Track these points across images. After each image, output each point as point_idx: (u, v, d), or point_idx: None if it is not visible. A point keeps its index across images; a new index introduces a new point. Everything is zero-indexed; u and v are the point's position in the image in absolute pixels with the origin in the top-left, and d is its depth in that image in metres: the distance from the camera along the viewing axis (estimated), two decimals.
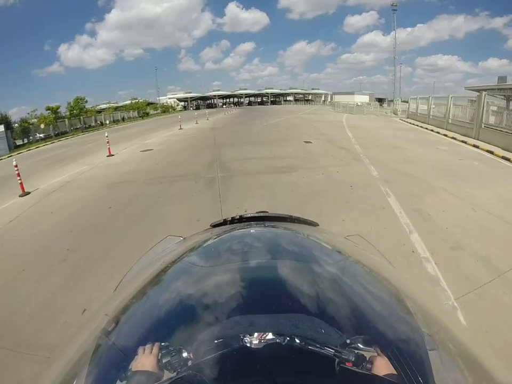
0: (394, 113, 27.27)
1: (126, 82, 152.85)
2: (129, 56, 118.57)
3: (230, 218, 1.54)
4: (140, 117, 50.15)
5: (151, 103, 78.92)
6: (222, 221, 1.57)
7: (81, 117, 32.49)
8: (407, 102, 27.29)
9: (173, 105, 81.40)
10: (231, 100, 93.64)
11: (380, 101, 77.90)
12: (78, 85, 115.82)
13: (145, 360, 0.71)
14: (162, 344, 0.75)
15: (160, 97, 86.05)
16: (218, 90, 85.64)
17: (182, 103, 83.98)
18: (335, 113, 32.25)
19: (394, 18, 32.93)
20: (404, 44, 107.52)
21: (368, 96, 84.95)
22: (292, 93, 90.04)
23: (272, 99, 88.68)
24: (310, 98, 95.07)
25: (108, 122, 33.96)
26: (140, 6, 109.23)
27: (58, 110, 31.35)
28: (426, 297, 1.13)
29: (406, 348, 0.74)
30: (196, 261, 1.21)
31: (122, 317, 0.93)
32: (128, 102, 57.20)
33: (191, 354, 0.72)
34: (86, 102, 37.22)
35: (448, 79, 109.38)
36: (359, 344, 0.73)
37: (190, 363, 0.71)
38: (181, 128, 21.76)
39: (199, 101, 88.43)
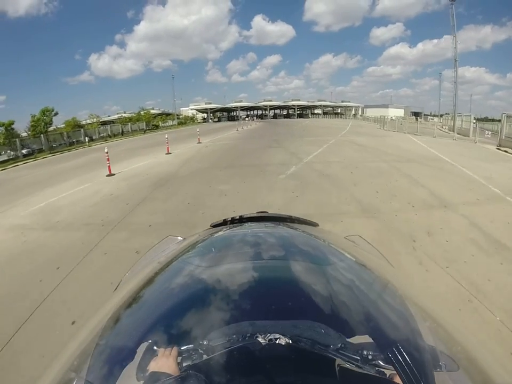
0: (459, 134, 19.91)
1: (154, 92, 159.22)
2: (158, 67, 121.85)
3: (230, 219, 1.53)
4: (149, 129, 45.06)
5: (169, 114, 75.95)
6: (222, 221, 1.56)
7: (44, 134, 24.18)
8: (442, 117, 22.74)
9: (193, 117, 77.53)
10: (255, 112, 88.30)
11: (416, 115, 71.19)
12: (107, 94, 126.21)
13: (152, 361, 0.71)
14: (165, 345, 0.75)
15: (183, 108, 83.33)
16: (240, 101, 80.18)
17: (203, 115, 79.44)
18: (392, 134, 22.47)
19: (453, 11, 24.46)
20: (430, 56, 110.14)
21: (403, 110, 77.66)
22: (320, 105, 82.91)
23: (298, 112, 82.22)
24: (339, 111, 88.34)
25: (87, 139, 26.27)
26: (167, 18, 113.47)
27: (14, 126, 24.49)
28: (426, 297, 1.12)
29: (405, 348, 0.72)
30: (196, 261, 1.19)
31: (123, 317, 0.92)
32: (141, 112, 52.23)
33: (191, 354, 0.72)
34: (55, 114, 29.13)
35: (476, 91, 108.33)
36: (359, 344, 0.73)
37: (189, 363, 0.71)
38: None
39: (222, 112, 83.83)
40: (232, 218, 1.54)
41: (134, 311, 0.95)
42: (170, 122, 61.52)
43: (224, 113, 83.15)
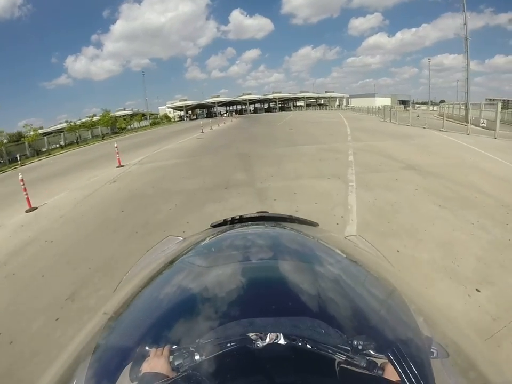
0: (475, 125, 15.97)
1: (134, 92, 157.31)
2: (136, 67, 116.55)
3: (230, 219, 1.53)
4: (115, 132, 40.27)
5: (144, 114, 70.96)
6: (222, 221, 1.56)
7: None
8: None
9: (169, 116, 72.70)
10: (234, 107, 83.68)
11: (404, 103, 68.89)
12: (86, 96, 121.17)
13: (152, 362, 0.70)
14: (164, 345, 0.75)
15: (161, 107, 78.88)
16: (218, 96, 74.78)
17: (181, 113, 74.63)
18: (414, 131, 16.96)
19: None
20: (409, 45, 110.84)
21: (390, 99, 74.47)
22: (303, 97, 78.74)
23: (280, 105, 77.94)
24: (322, 102, 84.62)
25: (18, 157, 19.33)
26: (144, 16, 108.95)
27: None
28: (426, 297, 1.14)
29: (405, 348, 0.72)
30: (196, 261, 1.20)
31: (122, 317, 0.93)
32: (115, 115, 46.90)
33: (191, 355, 0.71)
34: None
35: (454, 78, 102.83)
36: (359, 345, 0.72)
37: (190, 363, 0.70)
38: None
39: (201, 109, 79.00)
40: (232, 218, 1.52)
41: (134, 311, 0.94)
42: (143, 123, 56.71)
43: (203, 110, 78.46)
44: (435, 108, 47.39)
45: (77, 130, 33.37)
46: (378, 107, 29.96)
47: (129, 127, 49.06)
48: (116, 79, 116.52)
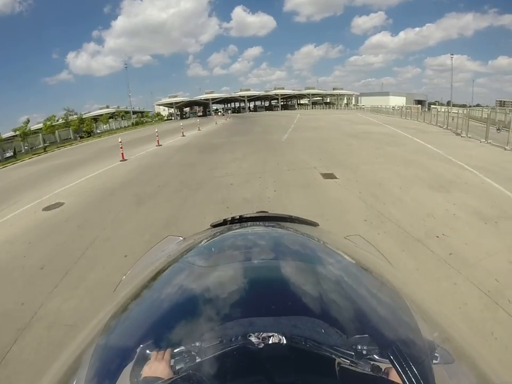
0: None
1: (135, 88, 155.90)
2: (138, 63, 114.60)
3: (230, 218, 1.54)
4: (81, 136, 32.32)
5: (140, 112, 64.52)
6: (222, 220, 1.57)
7: None
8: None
9: (162, 114, 65.07)
10: (231, 104, 75.42)
11: (420, 103, 61.63)
12: (88, 92, 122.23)
13: (153, 362, 0.70)
14: (165, 346, 0.75)
15: (157, 103, 71.75)
16: (212, 92, 66.13)
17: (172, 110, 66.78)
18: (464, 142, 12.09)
19: None
20: (412, 44, 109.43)
21: (405, 98, 66.37)
22: (308, 94, 70.22)
23: (282, 102, 69.66)
24: (329, 101, 76.42)
25: None
26: (145, 12, 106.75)
27: None
28: (426, 297, 1.14)
29: (405, 349, 0.72)
30: (196, 260, 1.20)
31: (122, 317, 0.92)
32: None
33: (191, 355, 0.72)
34: None
35: (457, 79, 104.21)
36: (359, 345, 0.73)
37: (190, 364, 0.70)
38: None
39: (195, 107, 71.02)
40: (232, 218, 1.53)
41: (134, 312, 0.95)
42: (124, 123, 48.85)
43: (198, 107, 70.40)
44: (454, 110, 40.03)
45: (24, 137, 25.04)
46: (395, 107, 23.73)
47: (105, 126, 41.47)
48: (117, 75, 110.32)
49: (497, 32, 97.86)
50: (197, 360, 0.69)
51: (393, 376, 0.65)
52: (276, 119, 33.68)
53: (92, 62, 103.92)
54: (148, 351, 0.73)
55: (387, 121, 22.89)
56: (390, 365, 0.67)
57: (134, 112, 69.66)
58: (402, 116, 27.54)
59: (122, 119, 52.94)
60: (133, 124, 49.75)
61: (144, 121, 57.64)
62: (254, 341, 0.72)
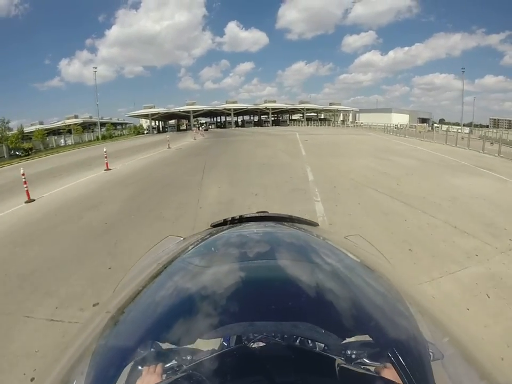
0: None
1: (127, 99, 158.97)
2: (130, 73, 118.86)
3: (230, 218, 1.54)
4: (17, 154, 24.37)
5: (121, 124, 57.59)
6: (222, 221, 1.57)
7: None
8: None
9: (136, 127, 57.68)
10: (216, 119, 68.44)
11: (424, 121, 56.35)
12: (78, 100, 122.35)
13: (154, 365, 0.70)
14: (165, 346, 0.77)
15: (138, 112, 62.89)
16: (193, 103, 58.57)
17: (153, 123, 59.56)
18: None
19: None
20: (400, 63, 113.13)
21: (408, 115, 60.65)
22: (302, 109, 63.63)
23: (273, 118, 62.76)
24: (323, 117, 70.20)
25: None
26: (139, 23, 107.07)
27: None
28: (426, 297, 1.11)
29: (405, 348, 0.73)
30: (196, 260, 1.21)
31: (123, 317, 0.92)
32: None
33: (191, 355, 0.72)
34: None
35: (444, 97, 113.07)
36: (359, 345, 0.73)
37: (189, 363, 0.71)
38: None
39: (174, 120, 63.95)
40: (232, 218, 1.53)
41: (134, 312, 0.94)
42: (89, 137, 41.23)
43: (180, 120, 63.36)
44: (466, 130, 35.20)
45: None
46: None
47: (66, 140, 33.92)
48: (108, 85, 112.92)
49: (485, 51, 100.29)
50: (195, 360, 0.69)
51: (393, 375, 0.65)
52: (267, 140, 23.68)
53: (84, 70, 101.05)
54: (148, 351, 0.73)
55: (420, 145, 15.85)
56: (390, 365, 0.67)
57: (115, 124, 63.61)
58: (409, 136, 21.57)
59: (90, 131, 45.58)
60: (98, 137, 42.12)
61: (117, 134, 50.42)
62: (254, 341, 0.72)
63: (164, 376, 0.68)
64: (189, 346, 0.73)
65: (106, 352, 0.79)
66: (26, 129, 47.18)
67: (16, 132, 29.33)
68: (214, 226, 1.55)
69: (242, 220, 1.50)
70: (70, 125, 52.91)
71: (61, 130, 49.70)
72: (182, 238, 1.57)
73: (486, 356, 0.78)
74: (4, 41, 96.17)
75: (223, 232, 1.41)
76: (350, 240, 1.55)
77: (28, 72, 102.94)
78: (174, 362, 0.71)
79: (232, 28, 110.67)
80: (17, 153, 24.74)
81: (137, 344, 0.77)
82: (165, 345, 0.76)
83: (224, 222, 1.52)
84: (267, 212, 1.70)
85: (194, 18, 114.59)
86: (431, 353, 0.70)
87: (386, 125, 38.25)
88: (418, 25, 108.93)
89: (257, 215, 1.59)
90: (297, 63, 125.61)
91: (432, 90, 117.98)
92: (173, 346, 0.75)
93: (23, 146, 26.08)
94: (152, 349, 0.74)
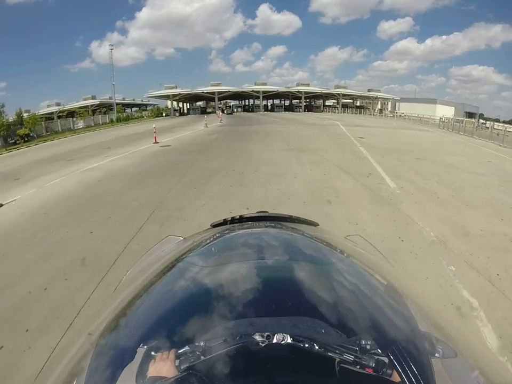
0: None
1: (157, 81, 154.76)
2: (160, 55, 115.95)
3: (230, 218, 1.52)
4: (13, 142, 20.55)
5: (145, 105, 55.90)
6: (222, 221, 1.55)
7: None
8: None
9: (158, 109, 53.76)
10: (244, 101, 63.17)
11: (471, 116, 49.10)
12: (109, 81, 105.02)
13: (155, 362, 0.70)
14: (165, 346, 0.76)
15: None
16: (219, 84, 53.19)
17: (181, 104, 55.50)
18: None
19: None
20: (437, 53, 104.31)
21: (453, 108, 53.13)
22: (338, 94, 57.23)
23: (306, 102, 57.07)
24: (359, 104, 63.60)
25: None
26: (170, 5, 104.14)
27: None
28: (426, 297, 1.13)
29: (405, 348, 0.72)
30: (196, 260, 1.19)
31: (123, 317, 0.92)
32: None
33: (192, 355, 0.72)
34: None
35: (481, 91, 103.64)
36: (360, 345, 0.73)
37: (192, 363, 0.71)
38: None
39: (196, 103, 59.34)
40: (232, 218, 1.51)
41: (134, 312, 0.93)
42: (103, 119, 37.50)
43: (203, 102, 58.77)
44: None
45: None
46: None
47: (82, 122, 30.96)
48: (139, 67, 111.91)
49: None
50: (199, 360, 0.69)
51: (394, 374, 0.65)
52: (303, 134, 17.08)
53: (115, 52, 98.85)
54: (148, 351, 0.72)
55: None
56: (390, 364, 0.67)
57: (135, 105, 60.37)
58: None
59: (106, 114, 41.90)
60: (112, 120, 38.48)
61: (135, 116, 46.64)
62: (256, 340, 0.72)
63: (167, 375, 0.67)
64: (189, 346, 0.72)
65: (106, 353, 0.78)
66: (42, 111, 44.99)
67: (15, 116, 25.24)
68: (214, 226, 1.54)
69: (242, 219, 1.48)
70: (88, 105, 49.53)
71: (79, 112, 46.11)
72: (182, 238, 1.55)
73: (485, 355, 0.79)
74: (37, 24, 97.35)
75: (223, 232, 1.40)
76: (350, 240, 1.55)
77: (59, 55, 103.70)
78: (176, 361, 0.70)
79: (264, 10, 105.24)
80: (13, 140, 21.11)
81: (138, 344, 0.75)
82: (166, 345, 0.74)
83: (224, 222, 1.51)
84: (267, 211, 1.71)
85: (226, 1, 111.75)
86: (430, 352, 0.70)
87: (431, 117, 32.42)
88: (458, 13, 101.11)
89: (257, 215, 1.58)
90: (331, 48, 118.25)
91: (470, 83, 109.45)
92: (174, 345, 0.73)
93: (19, 132, 22.31)
94: (153, 348, 0.72)
